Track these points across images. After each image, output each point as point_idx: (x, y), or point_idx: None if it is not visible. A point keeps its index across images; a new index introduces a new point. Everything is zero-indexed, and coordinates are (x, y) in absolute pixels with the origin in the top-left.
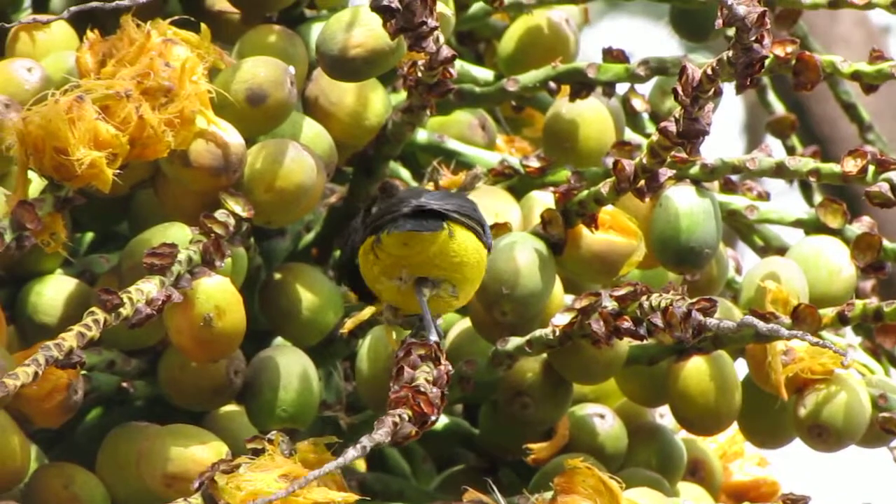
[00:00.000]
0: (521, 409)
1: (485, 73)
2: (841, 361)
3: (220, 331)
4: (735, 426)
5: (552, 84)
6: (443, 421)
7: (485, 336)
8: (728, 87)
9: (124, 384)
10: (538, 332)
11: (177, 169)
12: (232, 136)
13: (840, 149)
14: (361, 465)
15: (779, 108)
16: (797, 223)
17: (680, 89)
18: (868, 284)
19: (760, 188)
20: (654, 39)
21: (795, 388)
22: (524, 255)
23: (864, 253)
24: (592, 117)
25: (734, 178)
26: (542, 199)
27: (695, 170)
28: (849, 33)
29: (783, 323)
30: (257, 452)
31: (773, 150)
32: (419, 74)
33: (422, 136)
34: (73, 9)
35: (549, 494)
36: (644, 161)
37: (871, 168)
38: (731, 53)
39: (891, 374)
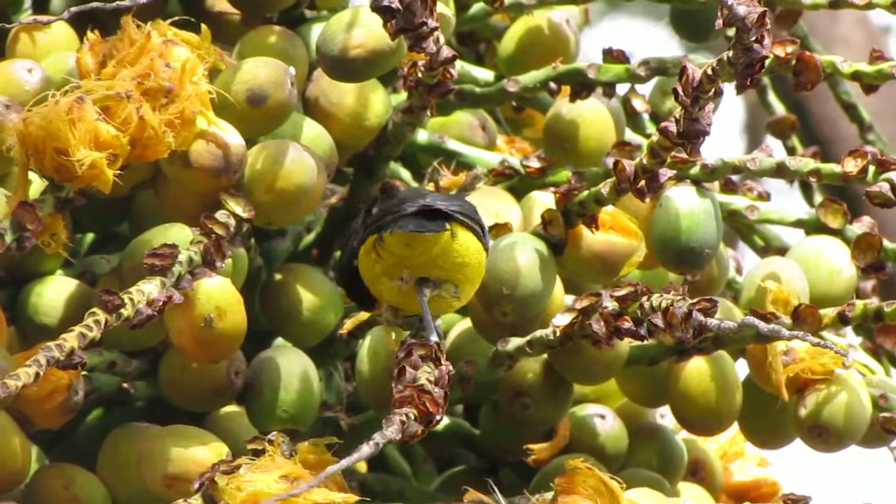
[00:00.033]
0: (521, 409)
1: (485, 74)
2: (842, 362)
3: (220, 331)
4: (736, 426)
5: (552, 84)
6: (443, 421)
7: (485, 336)
8: (728, 88)
9: (125, 385)
10: (539, 333)
11: (177, 170)
12: (232, 136)
13: (840, 149)
14: (362, 466)
15: (779, 108)
16: (798, 223)
17: (680, 89)
18: (868, 284)
19: (761, 188)
20: (654, 40)
21: (796, 389)
22: (525, 255)
23: (864, 253)
24: (593, 118)
25: (734, 178)
26: (543, 200)
27: (695, 170)
28: (849, 34)
29: (784, 323)
30: (258, 453)
31: (774, 150)
32: (419, 75)
33: (422, 136)
34: (73, 9)
35: (549, 495)
36: (644, 161)
37: (872, 168)
38: (731, 53)
39: (891, 375)
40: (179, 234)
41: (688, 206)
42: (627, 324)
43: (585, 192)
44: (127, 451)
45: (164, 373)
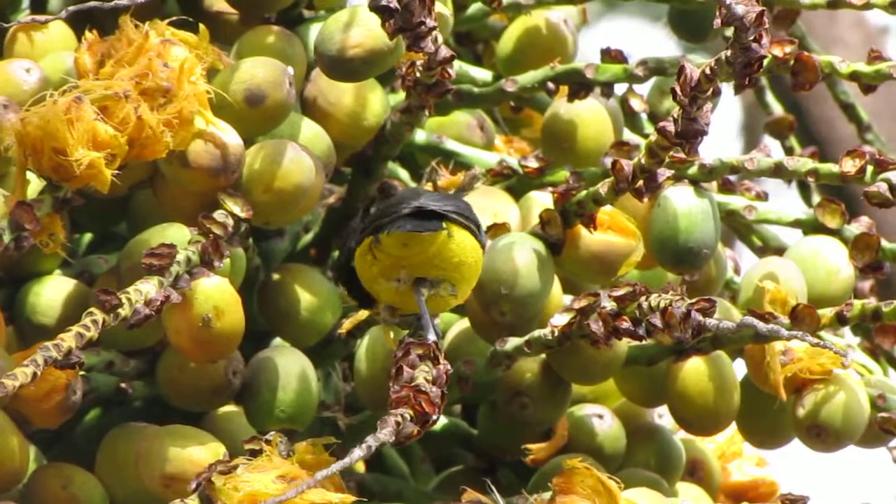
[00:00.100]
0: (519, 409)
1: (483, 74)
2: (841, 362)
3: (218, 331)
4: (734, 426)
5: (550, 84)
6: (441, 421)
7: (483, 336)
8: (726, 88)
9: (123, 385)
10: (537, 333)
11: (175, 169)
12: (230, 136)
13: (838, 149)
14: (360, 466)
15: (777, 108)
16: (796, 223)
17: (678, 89)
18: (866, 284)
19: (759, 188)
20: (652, 40)
21: (794, 389)
22: (523, 255)
23: (862, 253)
24: (591, 118)
25: (732, 178)
26: (541, 200)
27: (693, 170)
28: (847, 34)
29: (782, 323)
30: (255, 453)
31: (772, 150)
32: (418, 75)
33: (420, 136)
34: (71, 9)
35: (547, 495)
36: (642, 161)
37: (870, 168)
38: (729, 53)
39: (889, 375)
40: (177, 234)
41: (686, 206)
42: (626, 324)
43: (583, 192)
44: (125, 450)
45: (162, 372)
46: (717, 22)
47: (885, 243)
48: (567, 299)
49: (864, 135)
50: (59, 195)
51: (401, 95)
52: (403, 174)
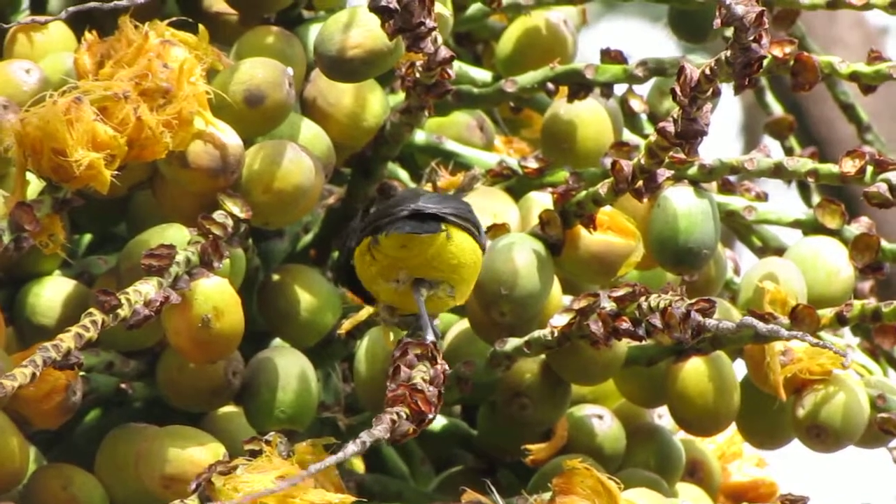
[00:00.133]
0: (519, 409)
1: (483, 74)
2: (841, 362)
3: (218, 332)
4: (733, 427)
5: (550, 85)
6: (441, 422)
7: (483, 337)
8: (726, 88)
9: (123, 385)
10: (537, 333)
11: (175, 170)
12: (230, 137)
13: (838, 150)
14: (360, 467)
15: (777, 109)
16: (795, 224)
17: (678, 90)
18: (866, 285)
19: (759, 189)
20: (652, 41)
21: (794, 389)
22: (522, 255)
23: (862, 253)
24: (590, 118)
25: (732, 178)
26: (541, 200)
27: (693, 170)
28: (846, 34)
29: (782, 323)
30: (255, 454)
31: (772, 150)
32: (417, 75)
33: (420, 137)
34: (71, 9)
35: (547, 495)
36: (642, 162)
37: (870, 168)
38: (729, 53)
39: (889, 375)
40: (177, 235)
41: (686, 206)
42: (625, 324)
43: (583, 193)
44: (125, 451)
45: (162, 373)
46: (717, 22)
47: (884, 244)
48: (567, 300)
49: (864, 135)
50: (59, 196)
51: (400, 96)
52: (403, 175)
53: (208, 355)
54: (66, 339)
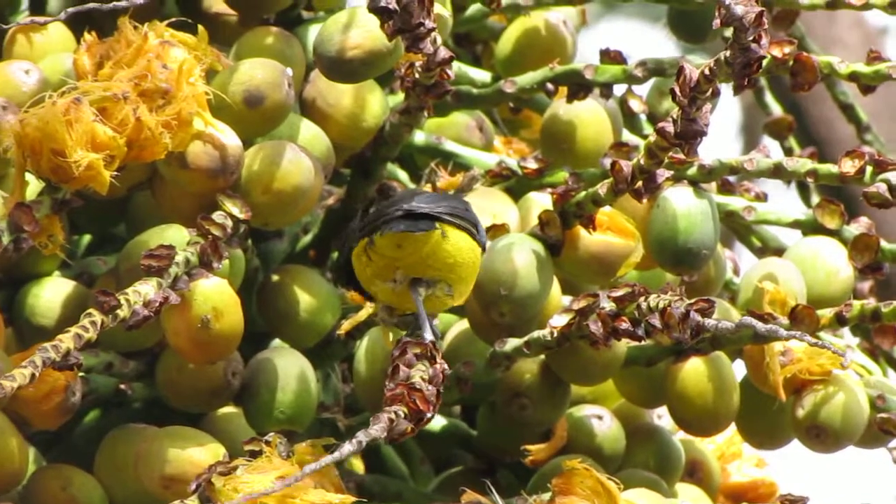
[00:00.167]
0: (519, 410)
1: (482, 75)
2: (840, 362)
3: (217, 332)
4: (733, 427)
5: (550, 85)
6: (441, 422)
7: (483, 337)
8: (725, 89)
9: (122, 386)
10: (536, 334)
11: (174, 171)
12: (229, 137)
13: (837, 150)
14: (359, 467)
15: (776, 109)
16: (795, 224)
17: (677, 90)
18: (866, 285)
19: (758, 189)
20: (651, 41)
21: (793, 389)
22: (522, 256)
23: (861, 254)
24: (590, 119)
25: (732, 179)
26: (540, 201)
27: (692, 171)
28: (846, 35)
29: (781, 324)
30: (255, 454)
31: (771, 151)
32: (417, 76)
33: (419, 137)
34: (70, 10)
35: (547, 496)
36: (642, 162)
37: (869, 169)
38: (728, 54)
39: (889, 375)
40: (176, 235)
41: (685, 206)
42: (625, 324)
43: (583, 193)
44: (124, 452)
45: (161, 374)
46: (717, 22)
47: (884, 244)
48: (566, 300)
49: (863, 135)
50: (58, 196)
51: (400, 96)
52: (402, 175)
53: (208, 356)
54: (66, 340)
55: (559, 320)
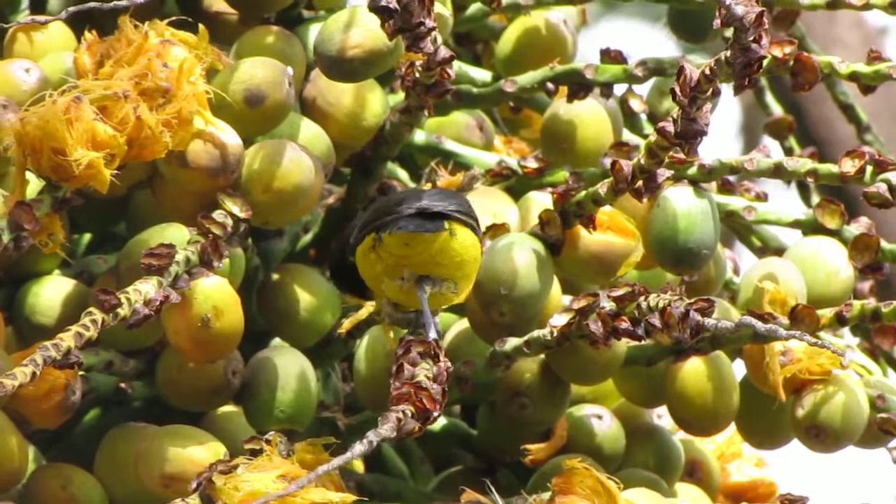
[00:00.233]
0: (519, 409)
1: (482, 74)
2: (840, 362)
3: (217, 331)
4: (733, 427)
5: (550, 85)
6: (440, 422)
7: (483, 337)
8: (726, 89)
9: (122, 385)
10: (536, 333)
11: (174, 169)
12: (230, 136)
13: (837, 150)
14: (359, 467)
15: (776, 109)
16: (795, 224)
17: (678, 90)
18: (866, 285)
19: (758, 189)
20: (651, 41)
21: (793, 389)
22: (522, 255)
23: (861, 253)
24: (590, 118)
25: (732, 178)
26: (540, 200)
27: (693, 170)
28: (846, 35)
29: (781, 323)
30: (255, 453)
31: (771, 151)
32: (417, 75)
33: (419, 136)
34: (70, 9)
35: (547, 495)
36: (642, 162)
37: (869, 168)
38: (728, 54)
39: (889, 375)
40: (177, 234)
41: (685, 206)
42: (625, 324)
43: (583, 193)
44: (124, 450)
45: (162, 372)
46: (717, 22)
47: (884, 244)
48: (566, 300)
49: (864, 135)
50: (59, 195)
51: (400, 96)
52: (403, 175)
53: (208, 355)
54: (66, 339)
55: (559, 320)
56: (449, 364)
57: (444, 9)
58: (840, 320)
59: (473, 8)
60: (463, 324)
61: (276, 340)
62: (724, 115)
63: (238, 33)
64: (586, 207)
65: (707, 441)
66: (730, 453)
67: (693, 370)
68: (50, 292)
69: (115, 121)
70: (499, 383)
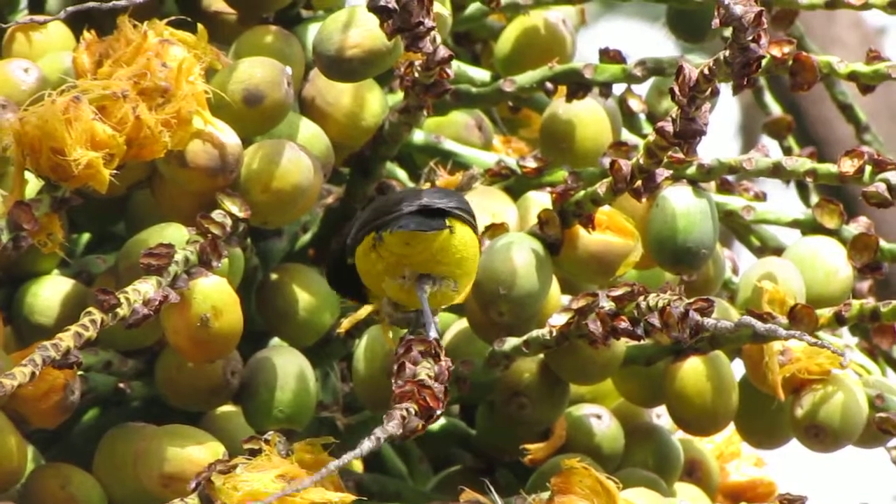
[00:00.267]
0: (518, 409)
1: (481, 74)
2: (839, 362)
3: (216, 331)
4: (732, 426)
5: (549, 85)
6: (440, 421)
7: (482, 336)
8: (725, 88)
9: (121, 385)
10: (535, 333)
11: (173, 169)
12: (228, 136)
13: (836, 150)
14: (358, 466)
15: (775, 108)
16: (794, 224)
17: (677, 89)
18: (865, 285)
19: (757, 189)
20: (650, 40)
21: (792, 389)
22: (521, 255)
23: (860, 253)
24: (589, 118)
25: (731, 178)
26: (539, 200)
27: (691, 170)
28: (845, 34)
29: (780, 323)
30: (254, 453)
31: (770, 150)
32: (416, 75)
33: (418, 136)
34: (69, 9)
35: (546, 495)
36: (641, 161)
37: (868, 168)
38: (727, 53)
39: (887, 375)
40: (176, 234)
41: (684, 206)
42: (624, 324)
43: (582, 192)
44: (123, 450)
45: (161, 372)
46: (716, 22)
47: (883, 243)
48: (565, 299)
49: (863, 135)
50: (58, 195)
51: (399, 95)
52: (402, 174)
53: (207, 354)
54: (66, 339)
55: (558, 319)
56: (450, 363)
57: (442, 8)
58: (839, 320)
59: (472, 7)
60: (462, 323)
61: (275, 340)
62: (723, 115)
63: (237, 33)
64: (585, 207)
65: (706, 441)
66: (729, 453)
67: (692, 370)
68: (49, 292)
69: (114, 120)
70: (498, 383)
